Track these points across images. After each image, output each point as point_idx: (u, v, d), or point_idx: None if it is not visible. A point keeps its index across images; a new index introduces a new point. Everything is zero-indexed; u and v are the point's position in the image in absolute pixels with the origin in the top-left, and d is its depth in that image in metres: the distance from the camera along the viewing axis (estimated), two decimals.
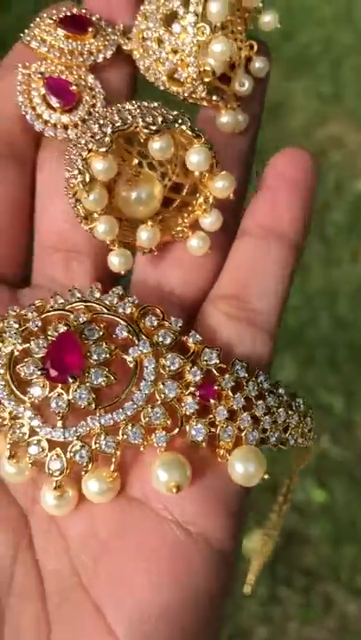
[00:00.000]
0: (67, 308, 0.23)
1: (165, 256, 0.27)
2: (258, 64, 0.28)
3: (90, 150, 0.23)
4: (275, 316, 0.25)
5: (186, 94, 0.27)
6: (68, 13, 0.28)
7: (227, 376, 0.23)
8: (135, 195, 0.25)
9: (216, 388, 0.22)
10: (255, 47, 0.28)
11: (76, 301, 0.23)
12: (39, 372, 0.22)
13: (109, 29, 0.28)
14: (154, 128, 0.23)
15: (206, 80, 0.26)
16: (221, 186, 0.25)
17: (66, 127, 0.26)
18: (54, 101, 0.26)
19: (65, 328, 0.22)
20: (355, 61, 1.44)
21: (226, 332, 0.24)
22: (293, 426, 0.24)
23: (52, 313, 0.23)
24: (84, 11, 0.28)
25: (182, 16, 0.25)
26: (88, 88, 0.27)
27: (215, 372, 0.23)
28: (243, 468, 0.22)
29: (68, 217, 0.25)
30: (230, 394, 0.22)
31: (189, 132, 0.23)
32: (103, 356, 0.22)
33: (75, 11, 0.28)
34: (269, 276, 0.25)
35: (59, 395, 0.22)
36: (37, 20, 0.28)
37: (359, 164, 1.25)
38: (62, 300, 0.23)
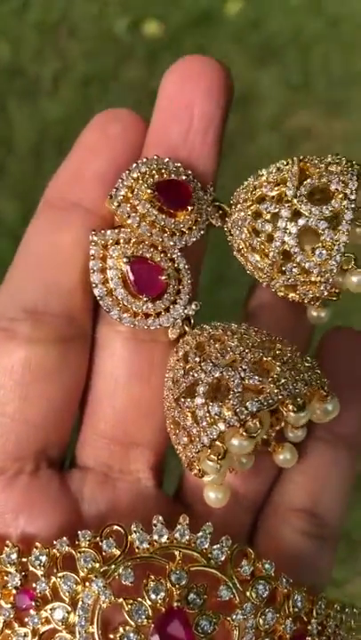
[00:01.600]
0: (158, 553, 0.21)
1: None
2: None
3: (230, 425, 0.21)
4: (341, 523, 0.25)
5: (295, 298, 0.24)
6: (164, 174, 0.23)
7: (313, 622, 0.22)
8: (248, 448, 0.23)
9: (308, 639, 0.22)
10: None
11: (170, 546, 0.21)
12: None
13: (201, 196, 0.24)
14: (300, 404, 0.22)
15: (333, 299, 0.24)
16: (330, 414, 0.23)
17: (147, 316, 0.23)
18: (140, 292, 0.23)
19: (176, 603, 0.20)
20: (324, 49, 1.43)
21: (297, 548, 0.24)
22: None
23: (144, 560, 0.21)
24: (182, 171, 0.23)
25: (327, 242, 0.22)
26: (175, 270, 0.23)
27: (304, 617, 0.22)
28: None
29: (139, 409, 0.23)
30: (317, 638, 0.22)
31: (324, 394, 0.22)
32: (210, 628, 0.21)
33: (173, 171, 0.23)
34: (340, 489, 0.25)
35: None
36: (128, 172, 0.23)
37: (329, 153, 1.25)
38: (147, 538, 0.21)
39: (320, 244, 0.22)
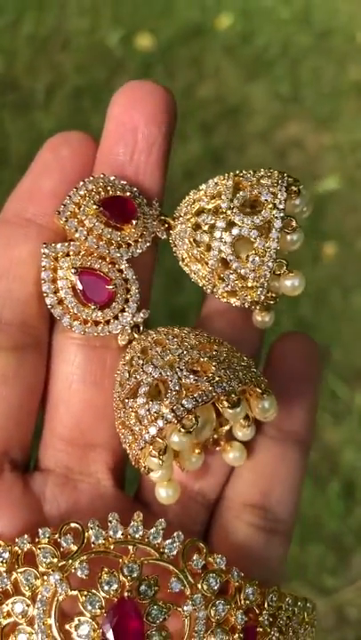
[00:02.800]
0: (114, 547, 0.22)
1: None
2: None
3: (167, 422, 0.22)
4: (293, 518, 0.26)
5: (237, 303, 0.26)
6: (110, 191, 0.25)
7: (265, 613, 0.23)
8: (186, 443, 0.24)
9: (259, 629, 0.23)
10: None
11: (125, 541, 0.22)
12: None
13: (147, 210, 0.25)
14: (235, 400, 0.23)
15: (271, 303, 0.26)
16: (267, 411, 0.24)
17: (96, 323, 0.25)
18: (87, 301, 0.24)
19: (127, 593, 0.22)
20: (313, 63, 1.45)
21: (250, 542, 0.25)
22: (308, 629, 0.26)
23: (99, 554, 0.22)
24: (127, 188, 0.25)
25: (259, 249, 0.24)
26: (122, 279, 0.25)
27: (256, 609, 0.23)
28: None
29: (93, 412, 0.25)
30: (269, 629, 0.23)
31: (259, 391, 0.24)
32: (161, 617, 0.22)
33: (118, 188, 0.25)
34: (291, 484, 0.26)
35: None
36: (75, 190, 0.25)
37: (319, 166, 1.26)
38: (102, 534, 0.22)
39: (253, 252, 0.24)
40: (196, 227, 0.25)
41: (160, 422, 0.22)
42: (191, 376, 0.22)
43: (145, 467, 0.23)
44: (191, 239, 0.25)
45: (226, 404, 0.23)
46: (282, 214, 0.24)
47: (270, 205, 0.24)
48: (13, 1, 1.46)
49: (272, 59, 1.44)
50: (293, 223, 0.24)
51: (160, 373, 0.23)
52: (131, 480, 0.27)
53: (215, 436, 0.26)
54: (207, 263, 0.25)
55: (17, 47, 1.38)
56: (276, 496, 0.26)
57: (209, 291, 0.26)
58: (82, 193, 0.25)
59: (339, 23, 1.54)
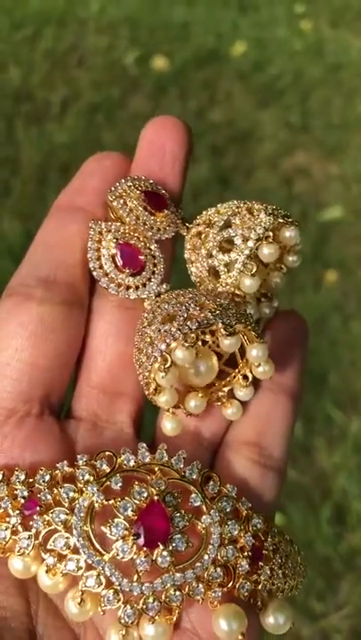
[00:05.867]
0: (141, 469, 0.26)
1: None
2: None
3: (175, 339, 0.26)
4: (285, 458, 0.30)
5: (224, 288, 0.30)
6: (149, 187, 0.31)
7: (269, 539, 0.27)
8: (196, 367, 0.29)
9: (264, 552, 0.27)
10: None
11: (151, 463, 0.26)
12: (133, 538, 0.24)
13: (174, 211, 0.31)
14: (231, 330, 0.27)
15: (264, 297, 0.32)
16: (265, 372, 0.28)
17: (128, 287, 0.30)
18: (124, 267, 0.30)
19: (155, 497, 0.25)
20: (323, 94, 1.48)
21: (248, 475, 0.29)
22: (301, 570, 0.29)
23: (130, 472, 0.26)
24: (161, 189, 0.31)
25: (238, 247, 0.29)
26: (151, 256, 0.31)
27: (261, 535, 0.27)
28: (274, 619, 0.27)
29: (124, 363, 0.29)
30: (272, 555, 0.27)
31: (253, 334, 0.28)
32: (183, 523, 0.25)
33: (154, 186, 0.31)
34: (282, 426, 0.30)
35: (145, 556, 0.24)
36: (124, 180, 0.31)
37: (324, 194, 1.28)
38: (133, 458, 0.26)
39: (233, 249, 0.30)
40: (198, 234, 0.31)
41: (168, 339, 0.26)
42: (198, 308, 0.27)
43: (154, 387, 0.27)
44: (193, 243, 0.31)
45: (223, 332, 0.27)
46: (243, 258, 0.29)
47: (238, 250, 0.29)
48: (34, 15, 1.49)
49: (283, 88, 1.47)
50: (254, 269, 0.29)
51: (172, 307, 0.27)
52: (147, 435, 0.31)
53: (219, 394, 0.30)
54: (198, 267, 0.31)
55: (35, 60, 1.41)
56: (270, 436, 0.30)
57: (192, 268, 0.31)
58: (129, 183, 0.31)
59: (350, 58, 1.58)
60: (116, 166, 0.32)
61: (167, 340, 0.26)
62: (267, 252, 0.29)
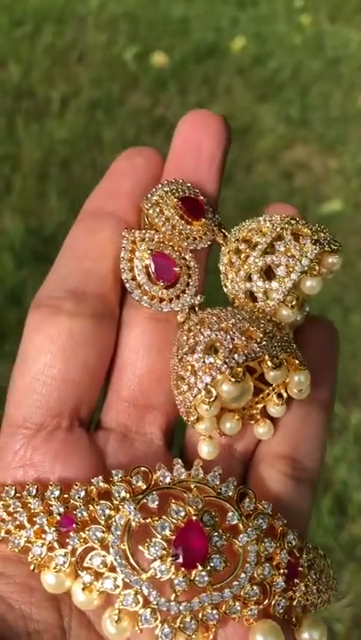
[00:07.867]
0: (177, 486, 0.25)
1: None
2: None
3: (221, 372, 0.25)
4: (318, 469, 0.29)
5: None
6: (187, 192, 0.29)
7: (304, 556, 0.26)
8: (234, 393, 0.27)
9: (299, 569, 0.26)
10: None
11: (187, 480, 0.26)
12: (172, 558, 0.24)
13: (211, 217, 0.29)
14: (277, 362, 0.26)
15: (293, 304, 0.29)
16: (302, 393, 0.28)
17: (162, 300, 0.28)
18: (158, 279, 0.28)
19: (194, 517, 0.25)
20: (322, 88, 1.48)
21: (282, 489, 0.28)
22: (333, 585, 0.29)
23: (166, 489, 0.25)
24: (200, 194, 0.29)
25: (280, 278, 0.28)
26: (186, 267, 0.29)
27: (296, 552, 0.26)
28: (309, 635, 0.26)
29: (155, 376, 0.28)
30: (307, 572, 0.26)
31: (297, 362, 0.27)
32: (221, 543, 0.25)
33: (192, 191, 0.29)
34: (316, 438, 0.29)
35: (184, 576, 0.24)
36: (161, 186, 0.29)
37: (324, 188, 1.28)
38: (169, 475, 0.26)
39: (275, 279, 0.28)
40: (237, 251, 0.29)
41: (214, 372, 0.25)
42: (243, 338, 0.26)
43: (195, 415, 0.26)
44: (230, 259, 0.29)
45: (270, 364, 0.26)
46: (284, 289, 0.28)
47: (280, 280, 0.28)
48: (33, 12, 1.50)
49: (283, 82, 1.47)
50: (294, 301, 0.28)
51: (216, 335, 0.26)
52: (177, 446, 0.30)
53: (253, 412, 0.29)
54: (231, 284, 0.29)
55: (35, 57, 1.41)
56: (304, 449, 0.29)
57: (227, 285, 0.29)
58: (166, 189, 0.29)
59: (349, 52, 1.58)
60: (149, 164, 0.30)
61: (213, 373, 0.25)
62: (309, 284, 0.28)
